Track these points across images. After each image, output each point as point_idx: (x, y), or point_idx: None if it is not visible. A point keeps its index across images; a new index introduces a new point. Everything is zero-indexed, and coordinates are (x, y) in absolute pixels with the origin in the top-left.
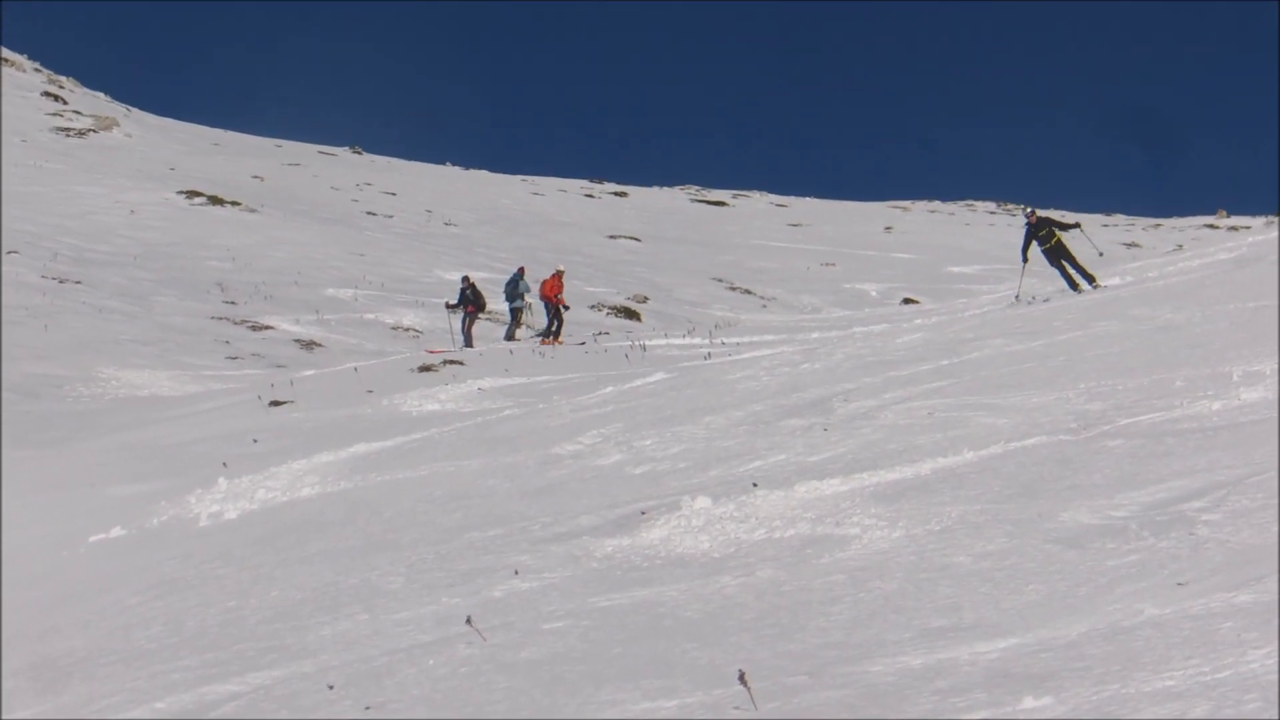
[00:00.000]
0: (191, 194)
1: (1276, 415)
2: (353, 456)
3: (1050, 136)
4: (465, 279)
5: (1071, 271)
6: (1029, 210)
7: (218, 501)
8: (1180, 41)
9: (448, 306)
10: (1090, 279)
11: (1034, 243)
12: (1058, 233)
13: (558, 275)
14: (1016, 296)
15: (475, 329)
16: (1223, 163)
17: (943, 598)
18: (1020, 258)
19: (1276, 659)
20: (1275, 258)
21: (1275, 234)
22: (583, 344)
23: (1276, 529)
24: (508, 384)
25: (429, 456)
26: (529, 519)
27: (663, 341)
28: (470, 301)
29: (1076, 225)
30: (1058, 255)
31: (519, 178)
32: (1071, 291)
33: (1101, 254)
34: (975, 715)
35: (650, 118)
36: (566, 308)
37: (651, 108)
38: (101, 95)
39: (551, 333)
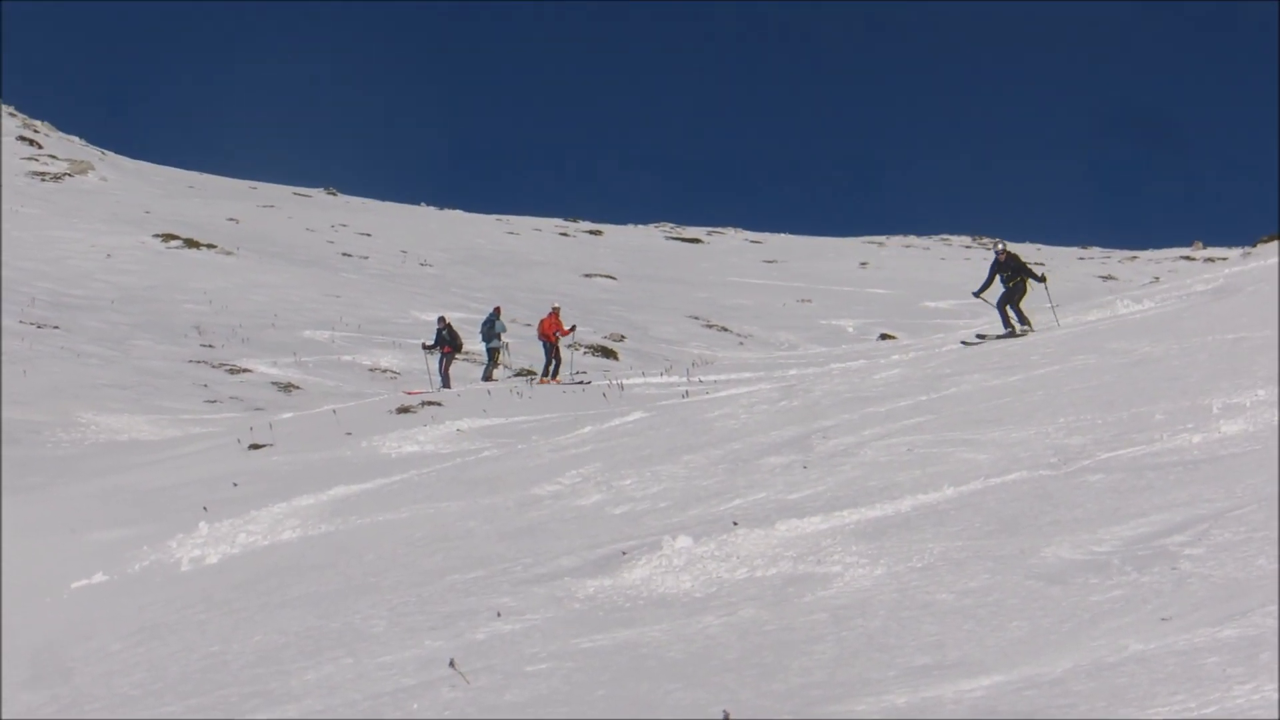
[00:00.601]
0: (168, 237)
1: (1257, 448)
2: (333, 499)
3: (1026, 170)
4: (441, 319)
5: (1012, 315)
6: (999, 245)
7: (199, 546)
8: (1159, 49)
9: (425, 348)
10: (1026, 323)
11: (997, 278)
12: (1025, 278)
13: (555, 313)
14: (979, 335)
15: (452, 370)
16: (1200, 192)
17: (926, 635)
18: (977, 293)
19: (1264, 694)
20: (1253, 289)
21: (1252, 265)
22: (580, 381)
23: (1260, 562)
24: (486, 424)
25: (409, 499)
26: (510, 560)
27: (640, 380)
28: (447, 342)
29: (1043, 279)
30: (1013, 297)
31: (494, 217)
32: (1003, 333)
33: (1057, 310)
34: None
35: (623, 154)
36: (571, 330)
37: (624, 145)
38: (76, 139)
39: (550, 372)
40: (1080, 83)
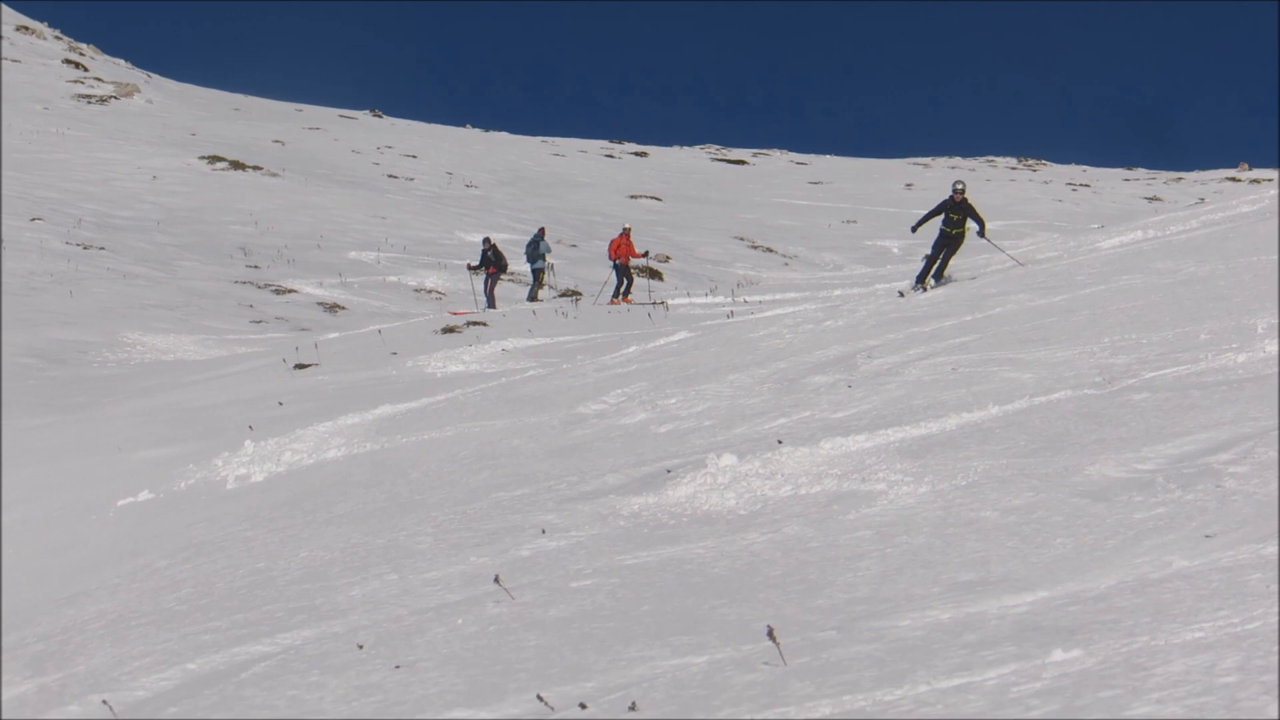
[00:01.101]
0: (213, 159)
1: None
2: (378, 418)
3: (1071, 93)
4: (486, 240)
5: (938, 265)
6: (959, 185)
7: (244, 464)
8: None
9: (470, 268)
10: (939, 280)
11: (939, 219)
12: (969, 227)
13: (626, 234)
14: (920, 283)
15: (498, 290)
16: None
17: (970, 552)
18: (914, 227)
19: None
20: None
21: None
22: (657, 303)
23: None
24: (531, 344)
25: (454, 417)
26: (555, 478)
27: (685, 300)
28: (492, 263)
29: (983, 233)
30: (951, 246)
31: (539, 139)
32: (916, 286)
33: (1021, 265)
34: (1004, 668)
35: (669, 77)
36: (644, 255)
37: (670, 67)
38: (122, 62)
39: (622, 292)
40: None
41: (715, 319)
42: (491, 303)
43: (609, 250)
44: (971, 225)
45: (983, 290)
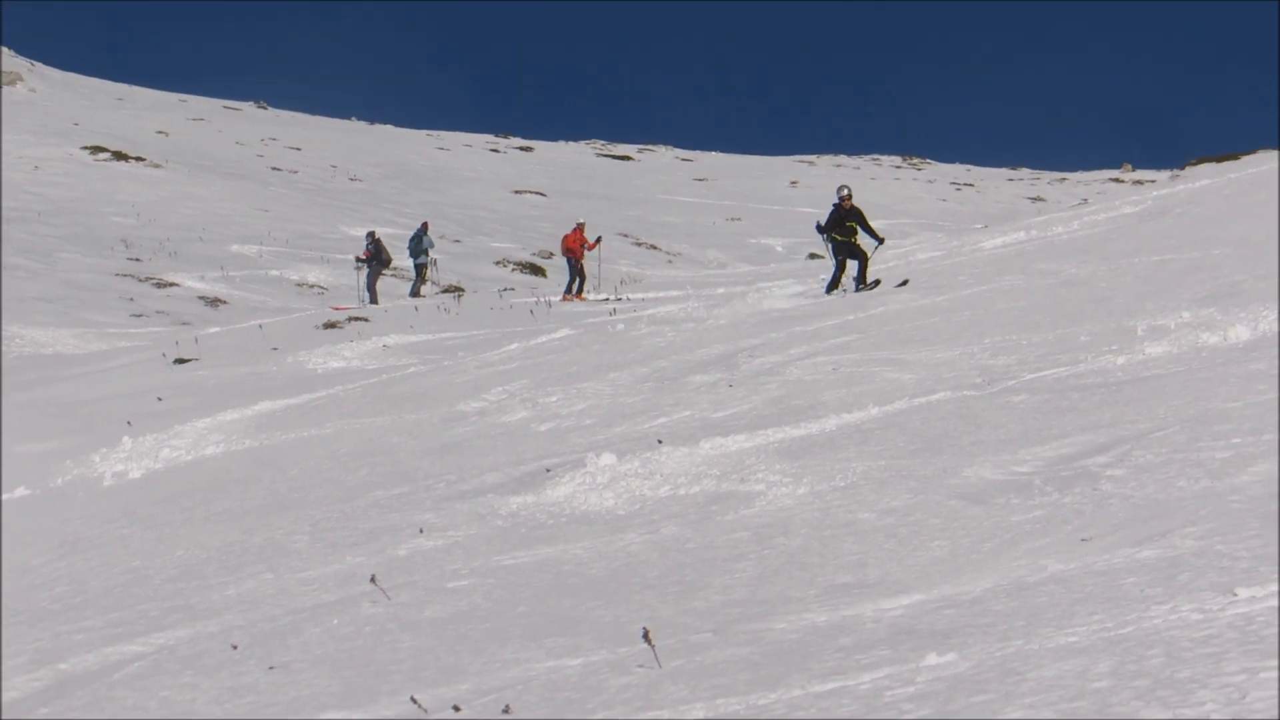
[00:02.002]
0: (96, 149)
1: (1181, 369)
2: (257, 415)
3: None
4: (371, 234)
5: (859, 270)
6: (844, 192)
7: (122, 460)
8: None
9: (358, 261)
10: (862, 283)
11: (833, 224)
12: (858, 236)
13: (579, 229)
14: (836, 286)
15: (379, 285)
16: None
17: (847, 554)
18: (822, 237)
19: (1181, 614)
20: (1180, 211)
21: (1180, 188)
22: (608, 298)
23: (1181, 484)
24: (413, 340)
25: (334, 414)
26: (434, 477)
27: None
28: (374, 257)
29: (881, 241)
30: (853, 252)
31: (424, 133)
32: (828, 289)
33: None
34: (879, 672)
35: (555, 71)
36: (596, 244)
37: (556, 61)
38: (5, 50)
39: (575, 289)
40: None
41: (598, 317)
42: (374, 298)
43: (562, 246)
44: (865, 238)
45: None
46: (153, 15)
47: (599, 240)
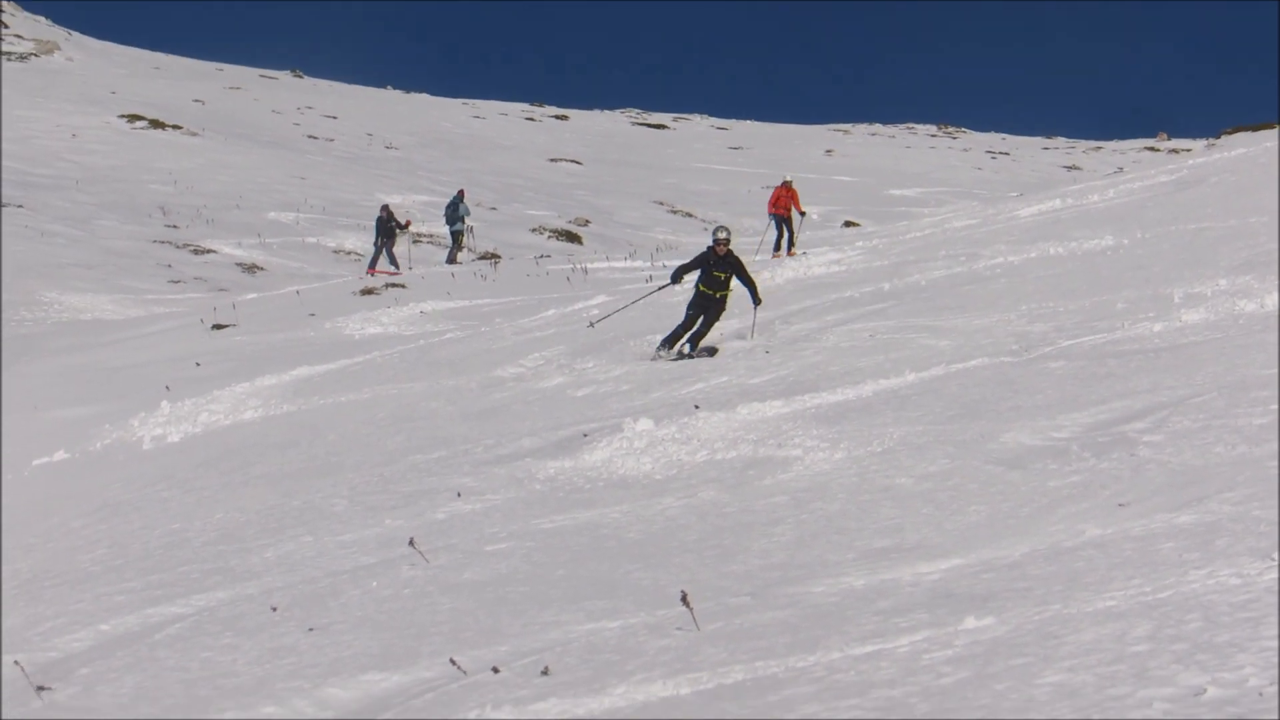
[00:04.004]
0: (133, 118)
1: (1217, 336)
2: (295, 380)
3: (991, 59)
4: (385, 208)
5: (695, 331)
6: (721, 235)
7: (161, 425)
8: None
9: (399, 228)
10: (695, 348)
11: (700, 272)
12: (728, 290)
13: (787, 185)
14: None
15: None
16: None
17: (885, 519)
18: (675, 276)
19: (1219, 579)
20: (1216, 180)
21: (1215, 156)
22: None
23: (1218, 450)
24: (450, 307)
25: (371, 379)
26: (471, 441)
27: (604, 265)
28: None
29: (758, 304)
30: (710, 310)
31: (460, 101)
32: (662, 349)
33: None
34: (917, 635)
35: (591, 40)
36: (803, 214)
37: (592, 30)
38: (42, 20)
39: (785, 245)
40: None
41: (634, 284)
42: (393, 261)
43: (769, 203)
44: (738, 286)
45: (902, 257)
46: None
47: (805, 214)
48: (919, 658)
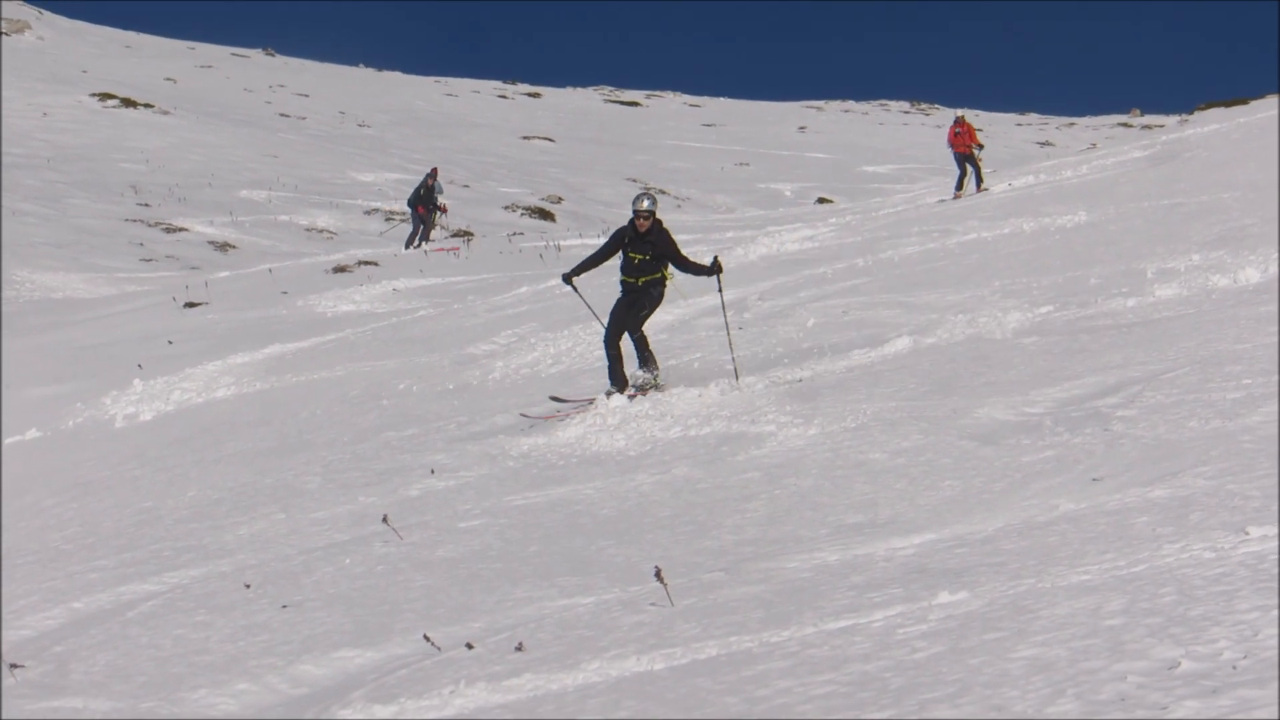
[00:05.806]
0: (105, 96)
1: (1190, 312)
2: (268, 358)
3: (964, 35)
4: (434, 171)
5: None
6: (643, 204)
7: (133, 403)
8: None
9: (436, 208)
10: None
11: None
12: (670, 273)
13: (962, 121)
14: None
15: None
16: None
17: (858, 494)
18: (569, 275)
19: (1192, 553)
20: (1189, 156)
21: (1189, 132)
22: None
23: (1191, 424)
24: (423, 284)
25: (344, 357)
26: (444, 418)
27: (577, 242)
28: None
29: (718, 271)
30: (638, 304)
31: (432, 79)
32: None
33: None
34: (891, 610)
35: (564, 17)
36: (981, 147)
37: (565, 6)
38: None
39: (975, 181)
40: None
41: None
42: (428, 237)
43: (949, 138)
44: (674, 272)
45: (875, 234)
46: None
47: (980, 145)
48: (893, 632)
